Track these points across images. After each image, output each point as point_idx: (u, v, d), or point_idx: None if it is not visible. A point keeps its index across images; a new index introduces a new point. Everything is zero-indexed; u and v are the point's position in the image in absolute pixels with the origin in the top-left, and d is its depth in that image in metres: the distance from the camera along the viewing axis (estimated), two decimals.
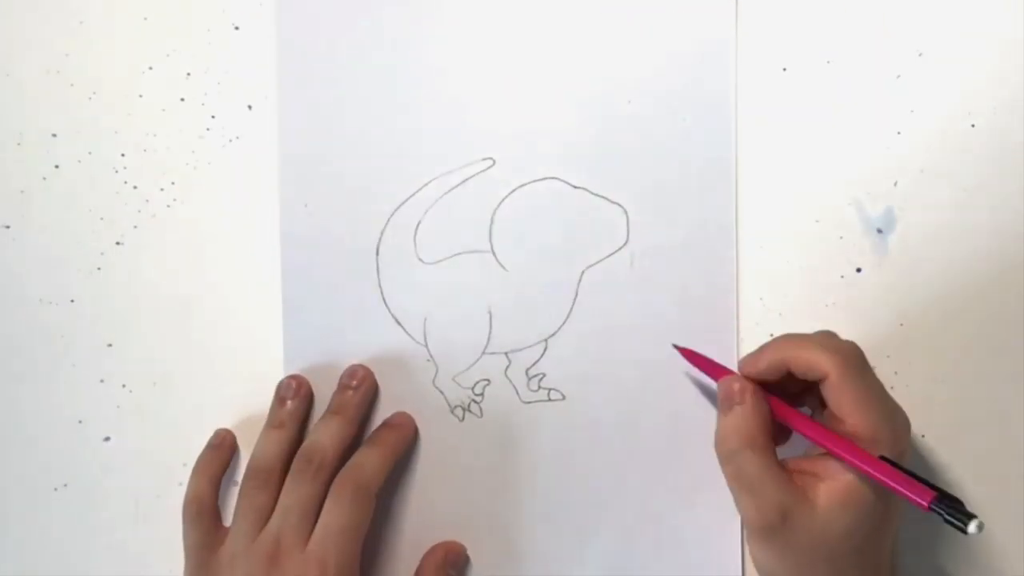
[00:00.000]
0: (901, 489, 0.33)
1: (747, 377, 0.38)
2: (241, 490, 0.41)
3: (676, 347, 0.41)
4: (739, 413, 0.37)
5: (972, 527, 0.30)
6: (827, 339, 0.38)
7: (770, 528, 0.35)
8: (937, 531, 0.42)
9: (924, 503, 0.32)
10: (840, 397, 0.36)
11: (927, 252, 0.42)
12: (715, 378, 0.39)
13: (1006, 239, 0.41)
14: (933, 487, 0.33)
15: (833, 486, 0.35)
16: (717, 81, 0.42)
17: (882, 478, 0.33)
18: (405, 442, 0.43)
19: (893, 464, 0.34)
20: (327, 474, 0.40)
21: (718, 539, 0.42)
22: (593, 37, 0.42)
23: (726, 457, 0.37)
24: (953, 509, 0.32)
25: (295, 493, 0.40)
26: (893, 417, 0.36)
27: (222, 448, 0.43)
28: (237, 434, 0.44)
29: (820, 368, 0.36)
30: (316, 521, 0.39)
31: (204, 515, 0.42)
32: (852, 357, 0.36)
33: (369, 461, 0.41)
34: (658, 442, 0.43)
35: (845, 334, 0.42)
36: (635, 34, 0.42)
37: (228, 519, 0.43)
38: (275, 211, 0.43)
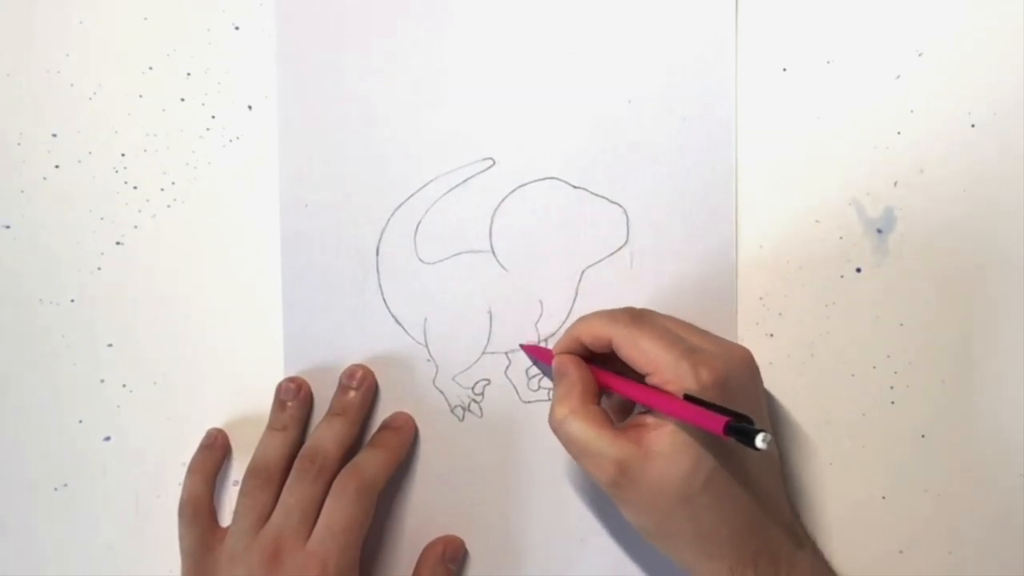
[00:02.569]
0: (694, 419, 0.34)
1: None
2: (242, 489, 0.41)
3: (522, 347, 0.42)
4: (562, 385, 0.38)
5: (759, 441, 0.31)
6: (612, 310, 0.39)
7: (613, 483, 0.36)
8: (942, 530, 0.42)
9: (719, 429, 0.32)
10: (627, 353, 0.37)
11: (927, 252, 0.42)
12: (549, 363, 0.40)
13: (1006, 239, 0.41)
14: (732, 413, 0.33)
15: (659, 433, 0.35)
16: (717, 81, 0.42)
17: (675, 413, 0.35)
18: (407, 445, 0.43)
19: (692, 399, 0.34)
20: (329, 474, 0.40)
21: None
22: (593, 37, 0.42)
23: (556, 427, 0.37)
24: (744, 428, 0.32)
25: (297, 493, 0.40)
26: (692, 353, 0.36)
27: (215, 448, 0.43)
28: (236, 434, 0.44)
29: (600, 333, 0.38)
30: (316, 521, 0.39)
31: (201, 515, 0.42)
32: (628, 316, 0.38)
33: (372, 462, 0.41)
34: None
35: (845, 334, 0.42)
36: (635, 34, 0.42)
37: (224, 520, 0.43)
38: (275, 211, 0.43)
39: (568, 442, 0.37)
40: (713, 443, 0.35)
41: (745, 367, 0.37)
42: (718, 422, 0.32)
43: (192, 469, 0.43)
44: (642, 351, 0.36)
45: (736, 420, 0.32)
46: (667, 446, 0.35)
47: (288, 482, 0.40)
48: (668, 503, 0.35)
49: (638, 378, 0.37)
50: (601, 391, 0.38)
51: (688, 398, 0.35)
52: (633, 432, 0.36)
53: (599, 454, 0.36)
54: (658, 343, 0.36)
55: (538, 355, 0.42)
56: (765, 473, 0.37)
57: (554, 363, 0.39)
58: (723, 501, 0.36)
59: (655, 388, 0.36)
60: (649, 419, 0.36)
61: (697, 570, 0.37)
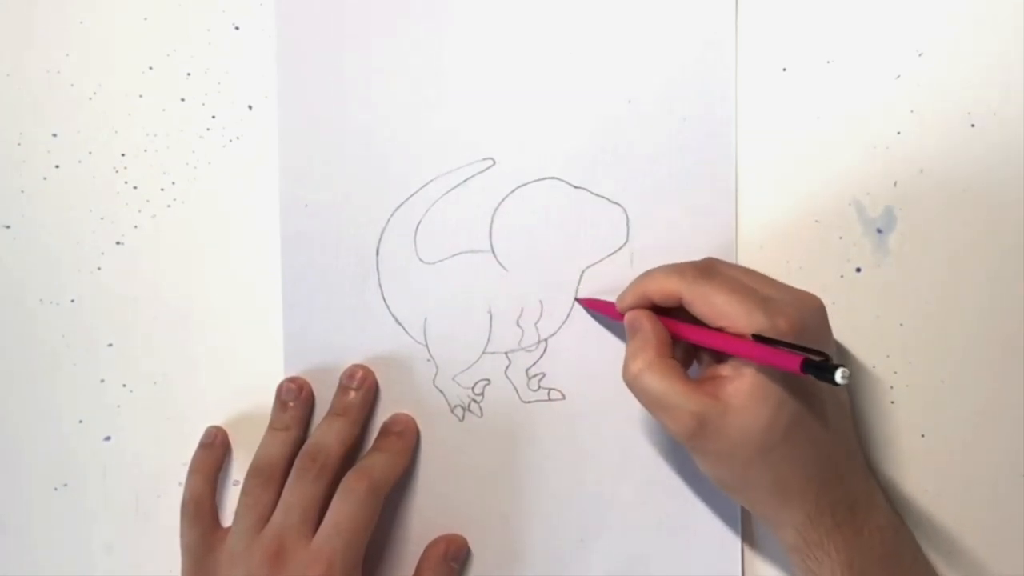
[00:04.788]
0: (771, 360, 0.33)
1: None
2: (243, 488, 0.41)
3: (578, 300, 0.42)
4: (636, 339, 0.38)
5: (838, 376, 0.31)
6: (677, 264, 0.39)
7: (692, 436, 0.35)
8: (942, 530, 0.42)
9: (796, 367, 0.32)
10: (699, 309, 0.36)
11: (927, 252, 0.42)
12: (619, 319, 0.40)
13: (1006, 239, 0.41)
14: (807, 350, 0.32)
15: (739, 383, 0.35)
16: (717, 81, 0.42)
17: (752, 355, 0.34)
18: (411, 448, 0.43)
19: (763, 339, 0.34)
20: (330, 474, 0.40)
21: (718, 539, 0.42)
22: (593, 37, 0.42)
23: (631, 382, 0.37)
24: (822, 364, 0.32)
25: (298, 492, 0.40)
26: (766, 302, 0.35)
27: (215, 446, 0.43)
28: (236, 434, 0.44)
29: (669, 289, 0.37)
30: (318, 521, 0.40)
31: (202, 514, 0.42)
32: (696, 269, 0.37)
33: (380, 464, 0.41)
34: (658, 441, 0.43)
35: (845, 334, 0.42)
36: (635, 34, 0.42)
37: (226, 520, 0.43)
38: (275, 211, 0.43)
39: (645, 396, 0.37)
40: (792, 391, 0.35)
41: (819, 315, 0.37)
42: (794, 360, 0.32)
43: (193, 468, 0.43)
44: (714, 306, 0.36)
45: (812, 358, 0.32)
46: (746, 397, 0.35)
47: (289, 481, 0.40)
48: (748, 453, 0.35)
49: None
50: (674, 344, 0.38)
51: (759, 339, 0.34)
52: (710, 385, 0.36)
53: (677, 407, 0.35)
54: (731, 296, 0.36)
55: (599, 308, 0.42)
56: (841, 421, 0.38)
57: (627, 318, 0.39)
58: (802, 449, 0.36)
59: (730, 334, 0.35)
60: (725, 370, 0.36)
61: (774, 519, 0.37)
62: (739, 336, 0.35)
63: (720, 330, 0.36)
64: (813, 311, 0.37)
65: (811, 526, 0.36)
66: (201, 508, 0.42)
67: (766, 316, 0.35)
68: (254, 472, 0.41)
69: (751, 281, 0.37)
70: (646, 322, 0.38)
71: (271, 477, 0.41)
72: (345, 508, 0.39)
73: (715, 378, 0.36)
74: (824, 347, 0.36)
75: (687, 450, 0.37)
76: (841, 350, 0.42)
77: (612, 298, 0.41)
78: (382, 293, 0.43)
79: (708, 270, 0.38)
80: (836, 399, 0.38)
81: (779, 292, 0.37)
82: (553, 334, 0.43)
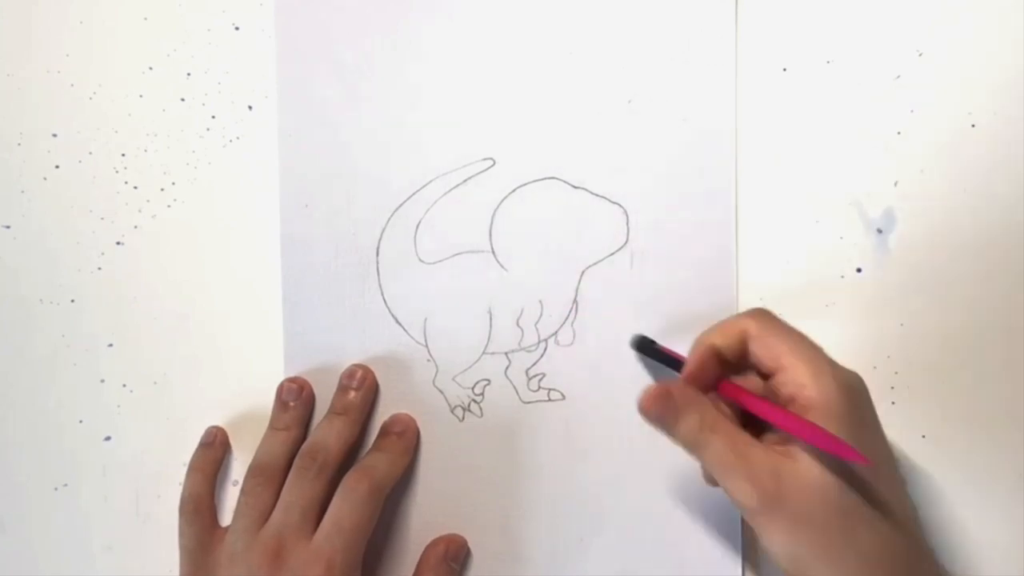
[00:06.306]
0: (828, 447, 0.32)
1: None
2: (243, 488, 0.41)
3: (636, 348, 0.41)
4: (691, 408, 0.35)
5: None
6: (736, 315, 0.38)
7: (768, 496, 0.33)
8: (942, 530, 0.42)
9: (865, 459, 0.31)
10: (765, 344, 0.35)
11: (927, 252, 0.42)
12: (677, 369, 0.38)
13: (1006, 239, 0.41)
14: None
15: (800, 444, 0.33)
16: (717, 81, 0.42)
17: (809, 438, 0.33)
18: (412, 448, 0.43)
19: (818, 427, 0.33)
20: (330, 473, 0.40)
21: (718, 539, 0.42)
22: (593, 37, 0.42)
23: (694, 444, 0.35)
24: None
25: (297, 490, 0.40)
26: (829, 361, 0.35)
27: (215, 446, 0.44)
28: (236, 434, 0.44)
29: (740, 325, 0.36)
30: (317, 519, 0.40)
31: (201, 514, 0.42)
32: (767, 313, 0.37)
33: (381, 464, 0.41)
34: (658, 442, 0.43)
35: (845, 334, 0.42)
36: (635, 34, 0.42)
37: (225, 520, 0.43)
38: (275, 211, 0.43)
39: (712, 455, 0.34)
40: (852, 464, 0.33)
41: (864, 386, 0.36)
42: (846, 450, 0.31)
43: (193, 467, 0.43)
44: (775, 341, 0.35)
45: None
46: (815, 455, 0.33)
47: (288, 480, 0.40)
48: (826, 514, 0.33)
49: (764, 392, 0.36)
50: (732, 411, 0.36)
51: (812, 423, 0.33)
52: (779, 445, 0.34)
53: (749, 464, 0.33)
54: (792, 341, 0.35)
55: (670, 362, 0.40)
56: (909, 507, 0.36)
57: (676, 394, 0.36)
58: (882, 519, 0.33)
59: (783, 409, 0.34)
60: (783, 435, 0.34)
61: None
62: (797, 416, 0.33)
63: (775, 375, 0.35)
64: (860, 380, 0.36)
65: None
66: (200, 507, 0.42)
67: (831, 371, 0.34)
68: (254, 471, 0.41)
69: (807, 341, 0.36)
70: (693, 394, 0.36)
71: (271, 476, 0.41)
72: (346, 507, 0.39)
73: (781, 441, 0.34)
74: (876, 419, 0.35)
75: (754, 523, 0.34)
76: (839, 353, 0.42)
77: (612, 298, 0.41)
78: (382, 293, 0.43)
79: (775, 317, 0.37)
80: (899, 494, 0.35)
81: (833, 367, 0.35)
82: (553, 334, 0.43)
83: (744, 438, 0.34)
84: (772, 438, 0.35)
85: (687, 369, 0.37)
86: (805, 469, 0.33)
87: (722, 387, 0.37)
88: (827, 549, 0.33)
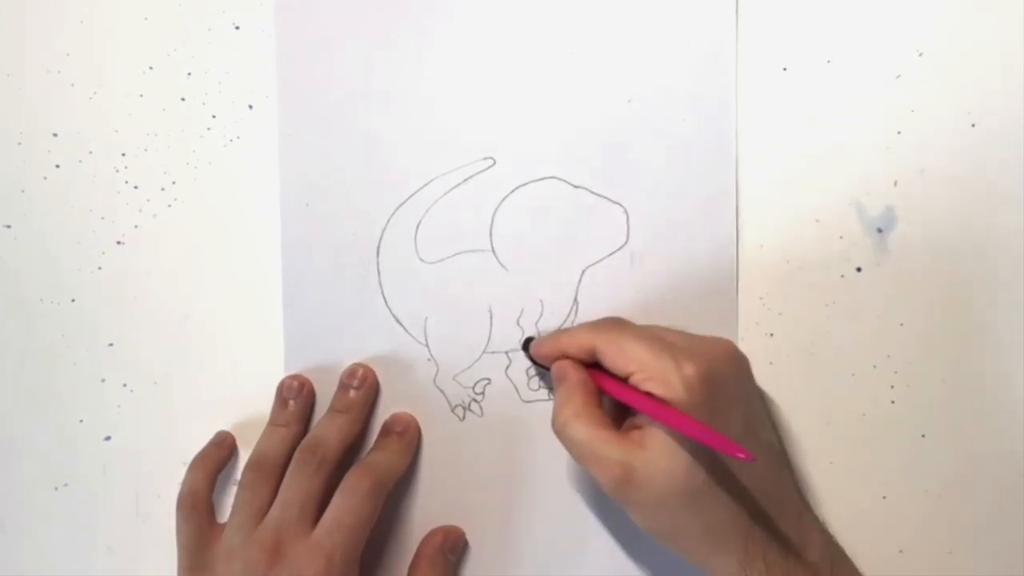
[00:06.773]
0: (672, 422, 0.34)
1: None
2: (241, 481, 0.41)
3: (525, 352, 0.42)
4: (563, 389, 0.38)
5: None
6: (592, 321, 0.40)
7: (621, 485, 0.35)
8: (941, 530, 0.42)
9: (698, 436, 0.33)
10: (612, 359, 0.37)
11: (927, 252, 0.42)
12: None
13: (1006, 239, 0.41)
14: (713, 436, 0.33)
15: (656, 431, 0.35)
16: (717, 81, 0.42)
17: (660, 417, 0.35)
18: (413, 447, 0.43)
19: (659, 400, 0.35)
20: (329, 468, 0.40)
21: None
22: (593, 37, 0.42)
23: (559, 431, 0.37)
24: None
25: (296, 485, 0.40)
26: (673, 349, 0.36)
27: (222, 447, 0.43)
28: (237, 434, 0.44)
29: (583, 342, 0.38)
30: (316, 515, 0.39)
31: (199, 510, 0.42)
32: (609, 322, 0.39)
33: (382, 462, 0.41)
34: None
35: (845, 334, 0.42)
36: (635, 34, 0.42)
37: (223, 518, 0.43)
38: (275, 211, 0.43)
39: (572, 446, 0.37)
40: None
41: (730, 360, 0.38)
42: (693, 428, 0.33)
43: (195, 463, 0.43)
44: (623, 351, 0.37)
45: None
46: (663, 443, 0.35)
47: (287, 475, 0.40)
48: (675, 500, 0.35)
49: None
50: (600, 394, 0.38)
51: (649, 395, 0.35)
52: (635, 433, 0.36)
53: (605, 456, 0.36)
54: (640, 342, 0.36)
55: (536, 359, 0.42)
56: (768, 465, 0.38)
57: (553, 368, 0.39)
58: (728, 494, 0.36)
59: (645, 393, 0.36)
60: (643, 419, 0.36)
61: (708, 566, 0.37)
62: (646, 394, 0.35)
63: (629, 378, 0.36)
64: (725, 357, 0.37)
65: (742, 572, 0.36)
66: (198, 502, 0.42)
67: (673, 360, 0.35)
68: (252, 465, 0.41)
69: (661, 332, 0.38)
70: (571, 372, 0.38)
71: (269, 471, 0.41)
72: (347, 504, 0.39)
73: (636, 427, 0.36)
74: (740, 393, 0.37)
75: (620, 504, 0.37)
76: (839, 353, 0.42)
77: (612, 300, 0.41)
78: (382, 293, 0.43)
79: (619, 322, 0.39)
80: (762, 442, 0.38)
81: (687, 340, 0.37)
82: None
83: (601, 433, 0.36)
84: (635, 421, 0.37)
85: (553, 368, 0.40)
86: (654, 457, 0.35)
87: (594, 375, 0.39)
88: (675, 526, 0.36)
